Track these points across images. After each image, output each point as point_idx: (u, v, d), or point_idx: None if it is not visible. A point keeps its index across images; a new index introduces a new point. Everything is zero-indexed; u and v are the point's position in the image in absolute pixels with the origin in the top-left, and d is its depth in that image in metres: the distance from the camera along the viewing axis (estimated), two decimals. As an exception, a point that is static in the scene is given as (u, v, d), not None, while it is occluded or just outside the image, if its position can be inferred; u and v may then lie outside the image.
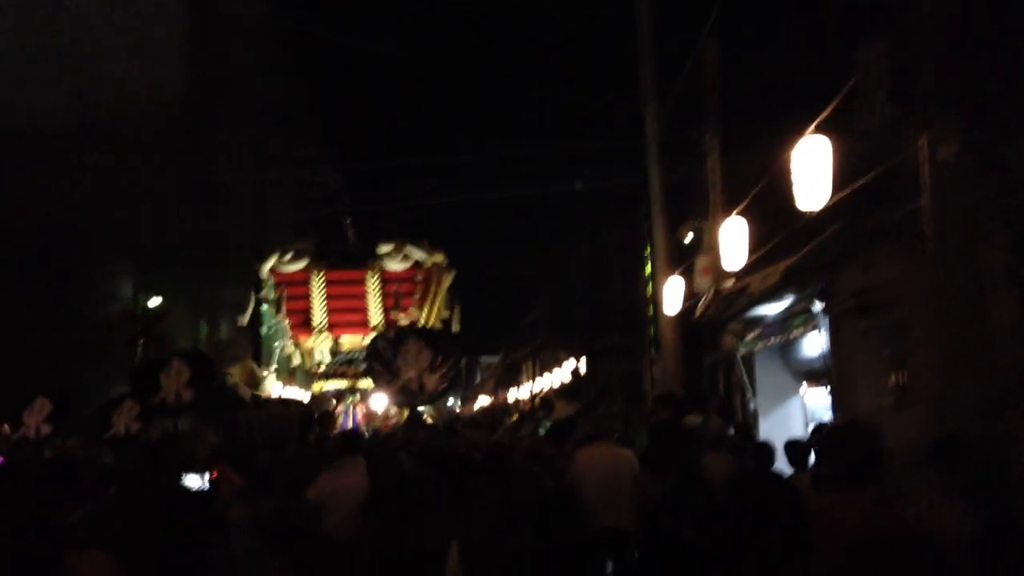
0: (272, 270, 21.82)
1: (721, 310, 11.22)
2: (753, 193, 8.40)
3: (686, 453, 5.95)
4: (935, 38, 5.39)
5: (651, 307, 17.21)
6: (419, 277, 21.09)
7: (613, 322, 26.85)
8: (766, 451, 7.38)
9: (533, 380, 35.47)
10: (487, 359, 54.80)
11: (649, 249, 16.83)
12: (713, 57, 13.31)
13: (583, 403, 25.79)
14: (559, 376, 30.99)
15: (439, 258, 21.23)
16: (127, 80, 21.59)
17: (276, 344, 25.43)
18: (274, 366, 24.70)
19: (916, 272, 6.27)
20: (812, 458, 6.83)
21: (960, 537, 3.93)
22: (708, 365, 15.79)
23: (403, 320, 21.15)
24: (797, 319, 9.00)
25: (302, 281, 21.40)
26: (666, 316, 15.01)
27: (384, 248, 20.99)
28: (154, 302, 21.39)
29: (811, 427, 9.95)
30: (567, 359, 30.45)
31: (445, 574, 4.16)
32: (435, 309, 21.76)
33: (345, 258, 23.02)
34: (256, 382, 22.28)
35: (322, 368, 22.44)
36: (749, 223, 9.43)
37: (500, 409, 33.08)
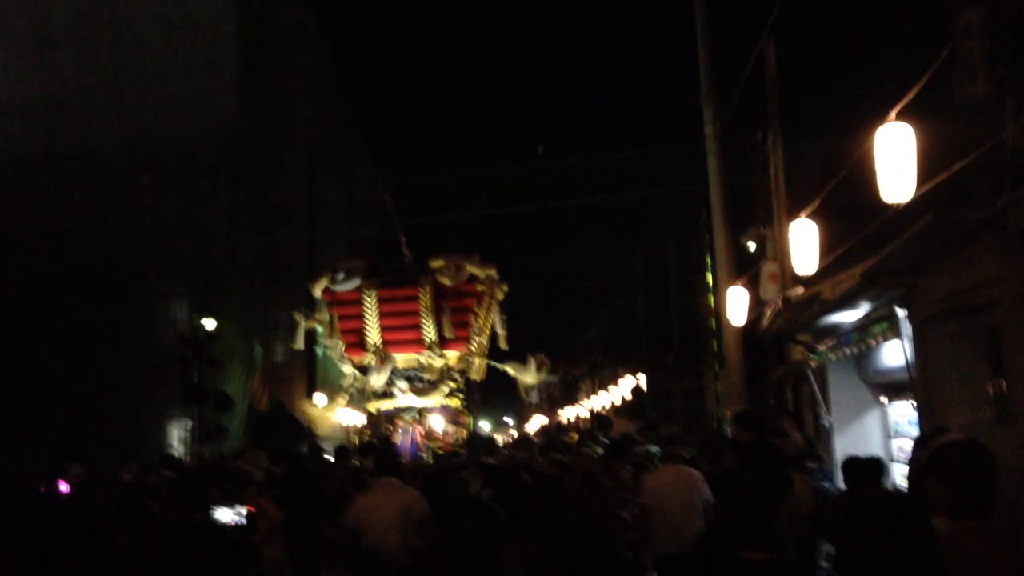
0: (325, 291, 21.61)
1: (791, 320, 10.59)
2: (825, 192, 7.82)
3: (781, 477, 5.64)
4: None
5: (713, 320, 16.61)
6: (475, 291, 20.69)
7: (674, 337, 26.23)
8: (861, 468, 6.86)
9: (591, 398, 34.90)
10: (547, 378, 54.27)
11: (710, 258, 16.25)
12: (773, 55, 12.76)
13: (643, 421, 25.18)
14: (618, 393, 30.40)
15: (492, 272, 20.81)
16: (182, 103, 21.66)
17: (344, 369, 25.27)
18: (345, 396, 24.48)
19: (1016, 269, 5.65)
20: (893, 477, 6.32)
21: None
22: (775, 379, 15.12)
23: (458, 337, 20.75)
24: (876, 327, 8.35)
25: (354, 301, 21.13)
26: (730, 328, 14.38)
27: (436, 263, 20.65)
28: (209, 325, 21.36)
29: (896, 442, 9.29)
30: (626, 376, 29.85)
31: None
32: (489, 324, 21.41)
33: (397, 275, 22.79)
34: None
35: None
36: (820, 225, 8.84)
37: (556, 428, 32.49)
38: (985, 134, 5.46)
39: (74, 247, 18.22)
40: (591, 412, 33.52)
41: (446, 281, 20.73)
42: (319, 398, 25.01)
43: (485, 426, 42.15)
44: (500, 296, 21.28)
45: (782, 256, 12.00)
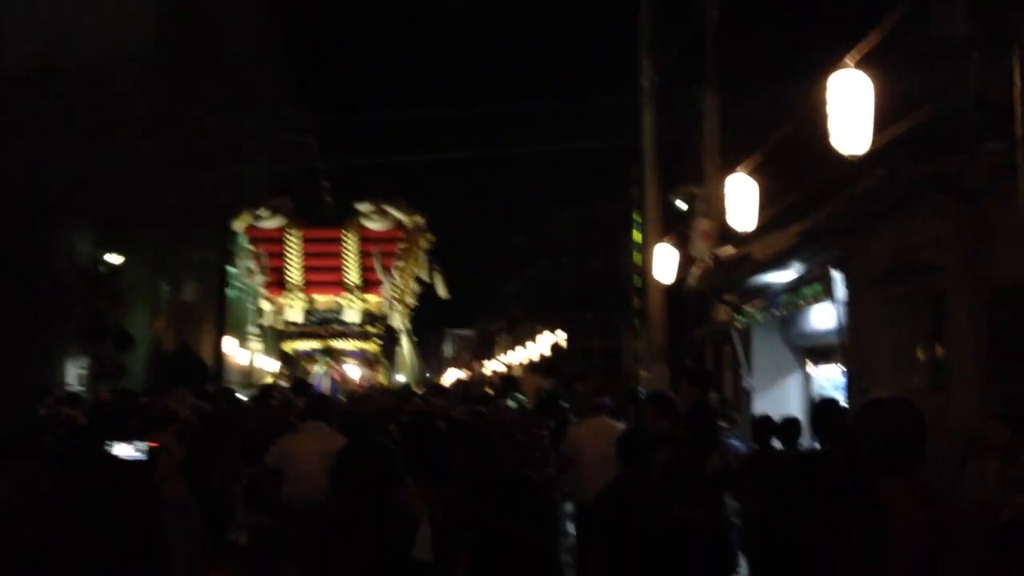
0: (248, 227, 20.90)
1: (719, 279, 10.36)
2: (768, 145, 7.51)
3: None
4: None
5: (638, 277, 16.39)
6: (401, 237, 20.27)
7: (596, 295, 26.08)
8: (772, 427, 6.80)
9: (507, 353, 34.72)
10: (461, 332, 53.96)
11: (638, 216, 15.98)
12: (715, 9, 12.42)
13: (560, 378, 25.05)
14: (536, 350, 30.23)
15: (418, 219, 20.42)
16: (93, 23, 20.34)
17: (249, 306, 24.55)
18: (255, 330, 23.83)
19: (965, 231, 5.41)
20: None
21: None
22: (697, 340, 15.00)
23: (382, 281, 20.39)
24: (807, 289, 8.14)
25: (278, 239, 20.53)
26: (654, 286, 14.15)
27: (362, 206, 20.15)
28: (115, 260, 20.33)
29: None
30: (544, 332, 29.67)
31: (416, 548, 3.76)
32: (412, 272, 21.05)
33: (322, 217, 22.16)
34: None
35: (295, 328, 21.66)
36: (758, 182, 8.57)
37: (475, 383, 32.26)
38: (948, 84, 5.17)
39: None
40: (505, 369, 33.37)
41: (371, 225, 20.31)
42: (229, 341, 24.21)
43: (401, 378, 41.68)
44: (425, 244, 20.93)
45: (714, 213, 11.77)
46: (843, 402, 7.94)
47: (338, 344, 21.14)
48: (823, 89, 5.50)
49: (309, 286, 21.01)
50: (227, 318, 25.81)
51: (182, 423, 7.00)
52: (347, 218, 20.33)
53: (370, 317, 21.16)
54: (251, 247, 21.09)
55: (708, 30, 12.52)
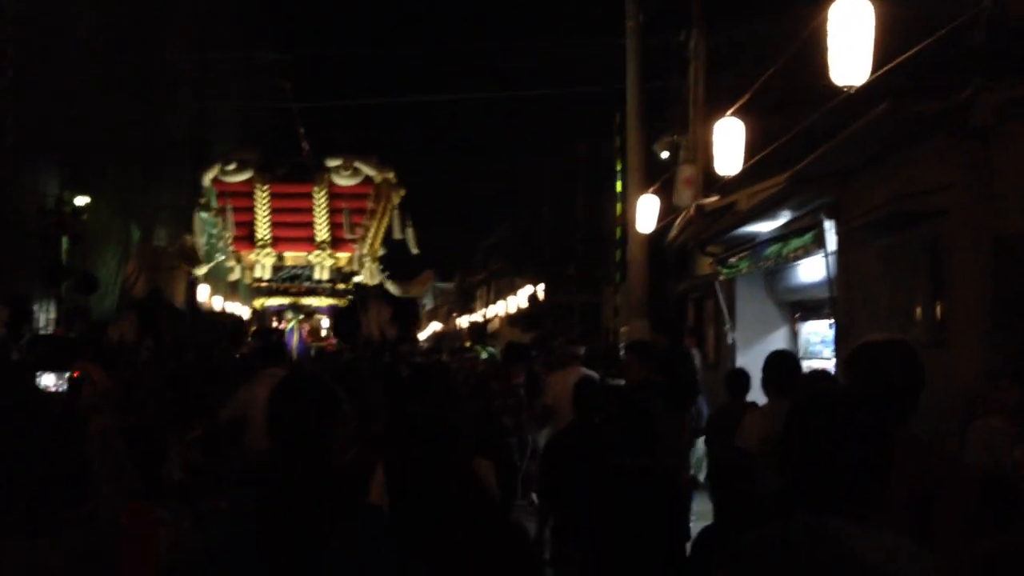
0: (214, 180, 20.34)
1: (702, 230, 9.93)
2: (758, 84, 7.05)
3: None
4: None
5: (619, 229, 15.94)
6: (371, 194, 19.84)
7: (577, 249, 25.63)
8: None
9: (487, 306, 34.32)
10: (441, 285, 53.51)
11: (620, 165, 15.49)
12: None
13: (539, 332, 24.69)
14: (514, 303, 29.83)
15: (389, 175, 19.98)
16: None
17: (217, 255, 23.97)
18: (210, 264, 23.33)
19: (971, 173, 4.98)
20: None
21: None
22: (677, 294, 14.61)
23: (352, 238, 20.05)
24: (795, 239, 7.71)
25: (246, 193, 20.02)
26: (636, 237, 13.72)
27: (332, 162, 19.68)
28: (81, 201, 19.69)
29: (807, 364, 8.77)
30: (524, 285, 29.25)
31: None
32: (382, 228, 20.66)
33: (292, 171, 21.60)
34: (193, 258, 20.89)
35: (264, 284, 21.21)
36: (746, 125, 8.11)
37: (451, 335, 31.89)
38: (957, 11, 4.70)
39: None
40: (470, 324, 33.00)
41: (342, 181, 19.90)
42: (203, 289, 23.68)
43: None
44: (396, 200, 20.56)
45: (699, 161, 11.32)
46: (831, 357, 7.63)
47: (307, 301, 20.79)
48: (820, 18, 5.03)
49: (278, 242, 20.58)
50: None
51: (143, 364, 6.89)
52: (317, 173, 19.83)
53: (340, 274, 20.81)
54: (217, 200, 20.54)
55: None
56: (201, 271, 20.92)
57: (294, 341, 18.91)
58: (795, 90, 7.70)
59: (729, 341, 10.21)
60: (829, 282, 6.83)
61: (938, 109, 4.81)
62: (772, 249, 8.22)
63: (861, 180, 6.26)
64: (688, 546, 3.91)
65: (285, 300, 21.15)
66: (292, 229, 20.59)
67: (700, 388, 8.15)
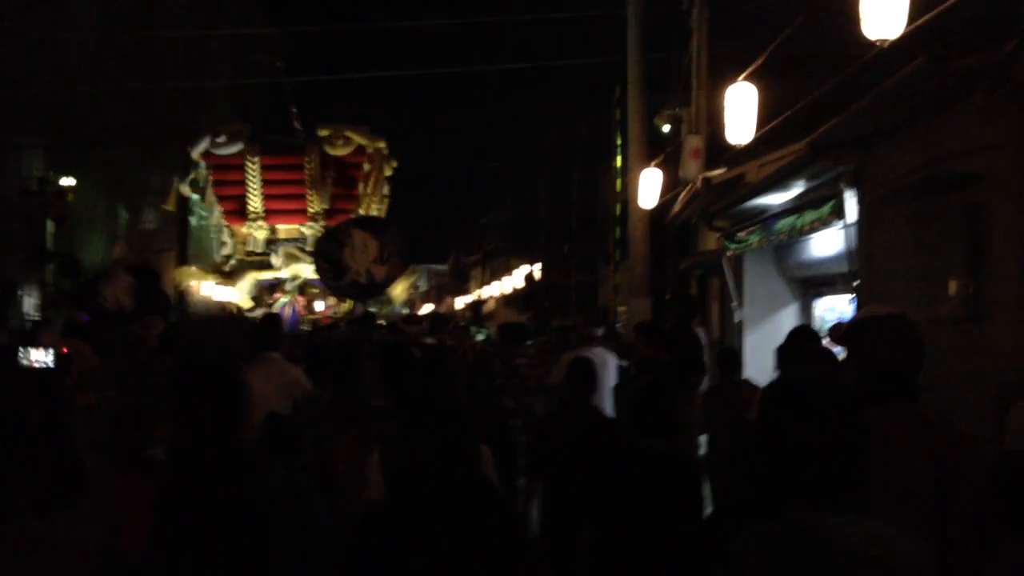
0: (205, 153, 19.92)
1: (710, 202, 9.51)
2: (776, 43, 6.64)
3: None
4: None
5: (619, 206, 15.54)
6: (365, 163, 19.48)
7: (573, 226, 25.21)
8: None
9: (482, 287, 33.94)
10: (435, 266, 53.09)
11: (621, 138, 15.06)
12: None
13: (535, 312, 24.33)
14: (510, 283, 29.46)
15: (380, 144, 19.59)
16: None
17: (213, 237, 23.60)
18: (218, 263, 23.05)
19: (1014, 133, 4.58)
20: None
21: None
22: (680, 271, 14.21)
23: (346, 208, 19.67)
24: (810, 212, 7.31)
25: (237, 166, 19.62)
26: (638, 213, 13.34)
27: (323, 131, 19.25)
28: (66, 183, 19.24)
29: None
30: (520, 266, 28.87)
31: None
32: (376, 197, 20.30)
33: (283, 142, 21.15)
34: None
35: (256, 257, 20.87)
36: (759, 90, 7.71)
37: (446, 315, 31.48)
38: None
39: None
40: (466, 304, 32.59)
41: (333, 151, 19.54)
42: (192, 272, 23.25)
43: (371, 309, 40.97)
44: (388, 171, 20.24)
45: (704, 132, 10.90)
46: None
47: (303, 270, 20.41)
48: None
49: (271, 215, 20.22)
50: (190, 247, 24.84)
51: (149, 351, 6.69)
52: (308, 144, 19.46)
53: None
54: (209, 173, 20.16)
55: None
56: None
57: (286, 314, 18.73)
58: (812, 52, 7.31)
59: (736, 319, 9.82)
60: (849, 255, 6.44)
61: (979, 64, 4.41)
62: (785, 222, 7.81)
63: (887, 145, 5.84)
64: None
65: (279, 273, 20.84)
66: (284, 201, 20.29)
67: (706, 368, 7.89)
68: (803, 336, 5.03)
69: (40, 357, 5.55)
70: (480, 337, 13.79)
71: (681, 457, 4.09)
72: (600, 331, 8.37)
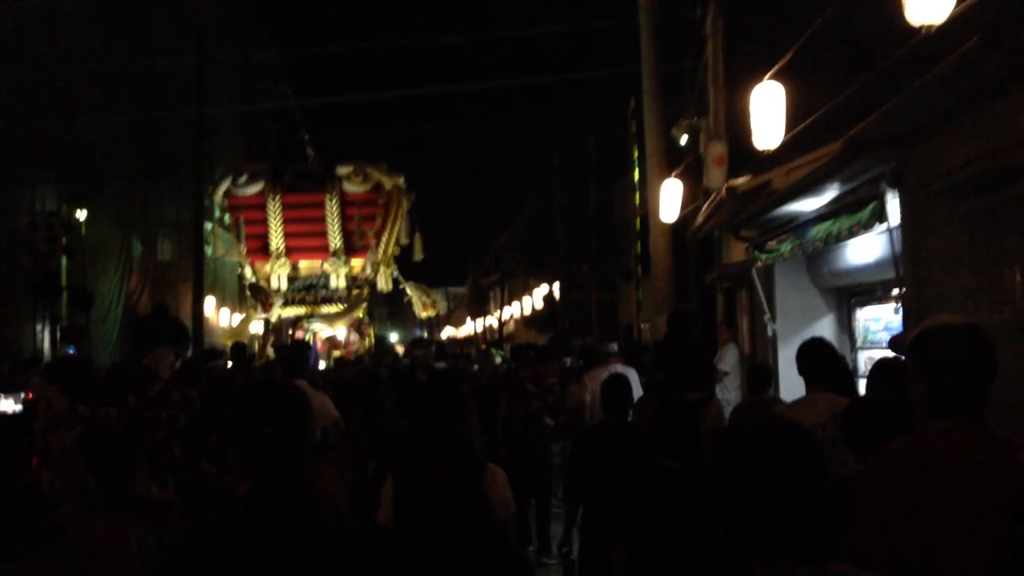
0: (226, 194, 19.89)
1: (736, 212, 9.12)
2: (807, 34, 6.27)
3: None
4: None
5: (638, 220, 15.14)
6: (381, 200, 19.50)
7: (591, 243, 24.82)
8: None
9: (501, 308, 33.54)
10: (455, 290, 52.85)
11: (637, 151, 14.70)
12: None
13: (555, 332, 23.94)
14: (529, 303, 29.07)
15: (399, 180, 19.59)
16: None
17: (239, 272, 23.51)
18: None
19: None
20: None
21: None
22: (705, 285, 13.79)
23: (362, 245, 19.76)
24: (847, 215, 6.91)
25: (258, 205, 19.64)
26: (659, 228, 12.98)
27: (343, 170, 19.33)
28: (81, 215, 19.10)
29: (866, 353, 7.95)
30: (539, 285, 28.50)
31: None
32: (395, 234, 20.30)
33: (302, 180, 21.20)
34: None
35: (280, 295, 20.78)
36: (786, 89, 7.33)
37: (465, 339, 31.16)
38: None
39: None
40: (499, 322, 32.19)
41: (353, 188, 19.58)
42: (209, 302, 23.05)
43: (394, 336, 40.70)
44: (407, 205, 20.27)
45: (723, 138, 10.51)
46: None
47: (324, 309, 20.51)
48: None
49: (292, 252, 20.20)
50: (205, 278, 24.64)
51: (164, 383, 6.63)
52: (328, 182, 19.51)
53: (355, 281, 20.54)
54: (230, 214, 20.18)
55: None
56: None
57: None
58: (840, 49, 6.93)
59: (769, 333, 9.40)
60: (894, 260, 6.02)
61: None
62: (820, 228, 7.41)
63: (935, 139, 5.44)
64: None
65: (301, 310, 20.79)
66: (306, 239, 20.29)
67: (709, 382, 7.54)
68: (818, 351, 4.61)
69: (8, 406, 5.55)
70: (499, 360, 13.50)
71: (706, 475, 3.85)
72: (614, 347, 8.32)
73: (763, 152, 7.26)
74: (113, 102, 21.46)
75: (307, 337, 20.01)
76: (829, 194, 7.22)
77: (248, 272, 21.51)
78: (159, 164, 24.15)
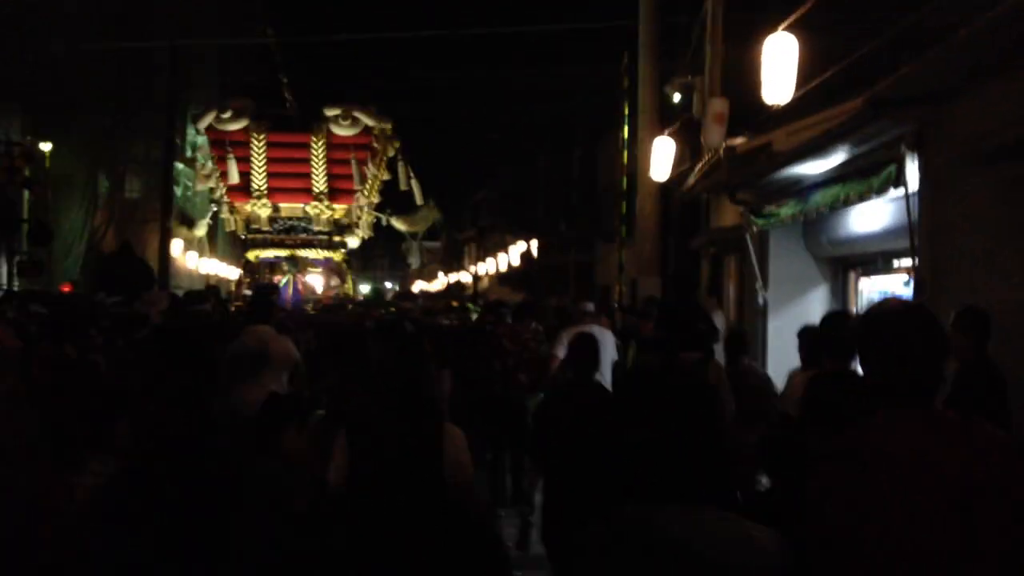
0: (208, 128, 19.23)
1: (733, 174, 8.71)
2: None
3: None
4: None
5: (624, 179, 14.70)
6: (369, 144, 18.98)
7: (572, 200, 24.38)
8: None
9: (476, 264, 33.08)
10: (429, 244, 52.20)
11: (628, 108, 14.21)
12: None
13: (530, 292, 23.55)
14: (505, 260, 28.63)
15: (387, 125, 19.03)
16: None
17: (212, 206, 22.89)
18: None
19: None
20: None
21: None
22: (690, 249, 13.43)
23: (361, 188, 19.32)
24: (857, 180, 6.52)
25: (242, 143, 19.01)
26: (648, 186, 12.58)
27: (331, 111, 18.67)
28: (44, 148, 18.39)
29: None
30: (516, 243, 28.03)
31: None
32: (379, 180, 19.85)
33: (289, 120, 20.59)
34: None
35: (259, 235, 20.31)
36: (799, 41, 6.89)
37: (440, 293, 30.65)
38: None
39: None
40: (473, 278, 31.75)
41: (340, 131, 19.00)
42: (176, 244, 22.40)
43: (365, 288, 40.17)
44: (391, 152, 19.72)
45: (718, 96, 10.05)
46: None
47: (304, 253, 20.08)
48: None
49: (274, 193, 19.65)
50: (174, 218, 23.96)
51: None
52: (315, 123, 18.92)
53: (337, 226, 20.10)
54: (211, 149, 19.58)
55: None
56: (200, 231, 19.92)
57: (288, 292, 18.31)
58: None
59: (760, 301, 9.04)
60: (909, 228, 5.63)
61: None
62: (827, 193, 7.01)
63: (964, 100, 5.03)
64: None
65: (281, 252, 20.36)
66: (289, 180, 19.81)
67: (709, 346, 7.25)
68: (838, 324, 4.35)
69: None
70: (474, 317, 13.17)
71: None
72: (590, 306, 8.31)
73: (773, 107, 6.82)
74: (84, 31, 20.61)
75: (285, 280, 19.63)
76: (839, 156, 6.81)
77: (225, 211, 21.01)
78: (131, 99, 23.32)
